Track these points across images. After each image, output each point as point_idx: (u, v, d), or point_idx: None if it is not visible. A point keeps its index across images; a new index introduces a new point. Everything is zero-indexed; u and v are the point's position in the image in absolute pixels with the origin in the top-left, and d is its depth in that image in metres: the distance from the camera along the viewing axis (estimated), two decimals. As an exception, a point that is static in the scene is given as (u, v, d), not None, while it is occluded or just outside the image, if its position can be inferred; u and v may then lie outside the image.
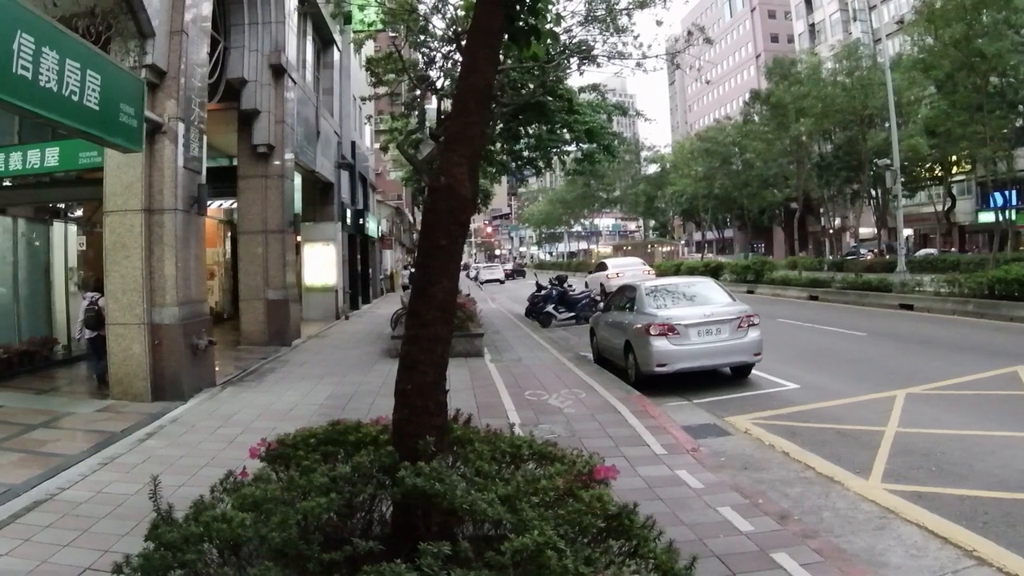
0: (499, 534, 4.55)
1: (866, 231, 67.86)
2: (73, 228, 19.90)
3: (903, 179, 41.40)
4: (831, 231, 66.49)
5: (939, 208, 57.97)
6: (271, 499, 4.73)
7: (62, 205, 19.76)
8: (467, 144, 5.29)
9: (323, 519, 4.70)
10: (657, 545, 4.50)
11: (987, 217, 52.76)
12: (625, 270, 40.53)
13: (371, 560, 4.08)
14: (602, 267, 45.45)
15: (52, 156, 15.40)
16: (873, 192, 58.29)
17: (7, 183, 16.81)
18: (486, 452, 5.44)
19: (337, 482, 4.89)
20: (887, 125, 40.74)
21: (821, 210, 67.83)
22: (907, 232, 51.48)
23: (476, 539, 4.62)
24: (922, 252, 50.62)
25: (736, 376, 15.59)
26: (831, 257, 55.65)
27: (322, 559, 4.28)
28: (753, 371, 15.61)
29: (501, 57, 21.12)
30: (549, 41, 20.73)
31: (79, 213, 20.37)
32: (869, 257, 55.70)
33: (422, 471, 4.63)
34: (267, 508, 4.62)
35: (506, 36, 5.94)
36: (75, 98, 9.78)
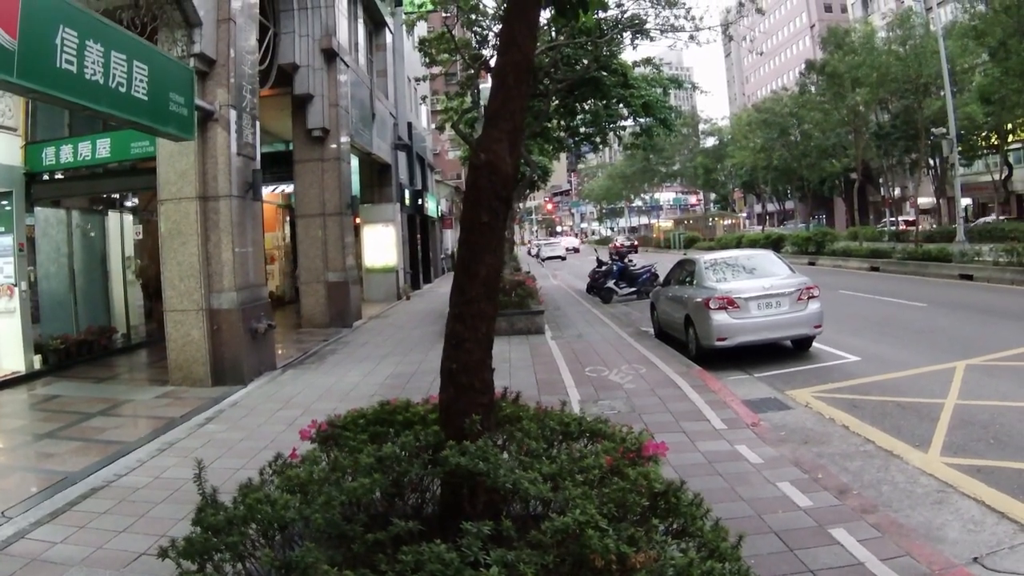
0: (546, 513, 4.52)
1: (925, 200, 66.72)
2: (129, 217, 20.19)
3: (960, 148, 40.58)
4: (891, 201, 65.56)
5: (996, 177, 56.58)
6: (316, 480, 4.76)
7: (116, 195, 19.97)
8: (507, 120, 5.20)
9: (368, 499, 4.71)
10: (705, 523, 4.45)
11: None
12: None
13: (413, 540, 4.06)
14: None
15: (104, 147, 15.58)
16: (931, 162, 57.38)
17: (59, 176, 16.99)
18: (534, 430, 5.42)
19: (383, 462, 4.89)
20: (942, 93, 40.02)
21: (880, 180, 66.92)
22: (966, 201, 50.50)
23: (523, 518, 4.60)
24: (981, 220, 49.61)
25: (797, 349, 15.41)
26: (891, 228, 54.73)
27: (366, 539, 4.27)
28: (814, 343, 15.41)
29: (554, 34, 21.18)
30: (601, 14, 20.69)
31: (135, 202, 20.62)
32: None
33: (467, 450, 4.61)
34: (312, 489, 4.64)
35: (554, 9, 5.85)
36: (122, 89, 9.87)
